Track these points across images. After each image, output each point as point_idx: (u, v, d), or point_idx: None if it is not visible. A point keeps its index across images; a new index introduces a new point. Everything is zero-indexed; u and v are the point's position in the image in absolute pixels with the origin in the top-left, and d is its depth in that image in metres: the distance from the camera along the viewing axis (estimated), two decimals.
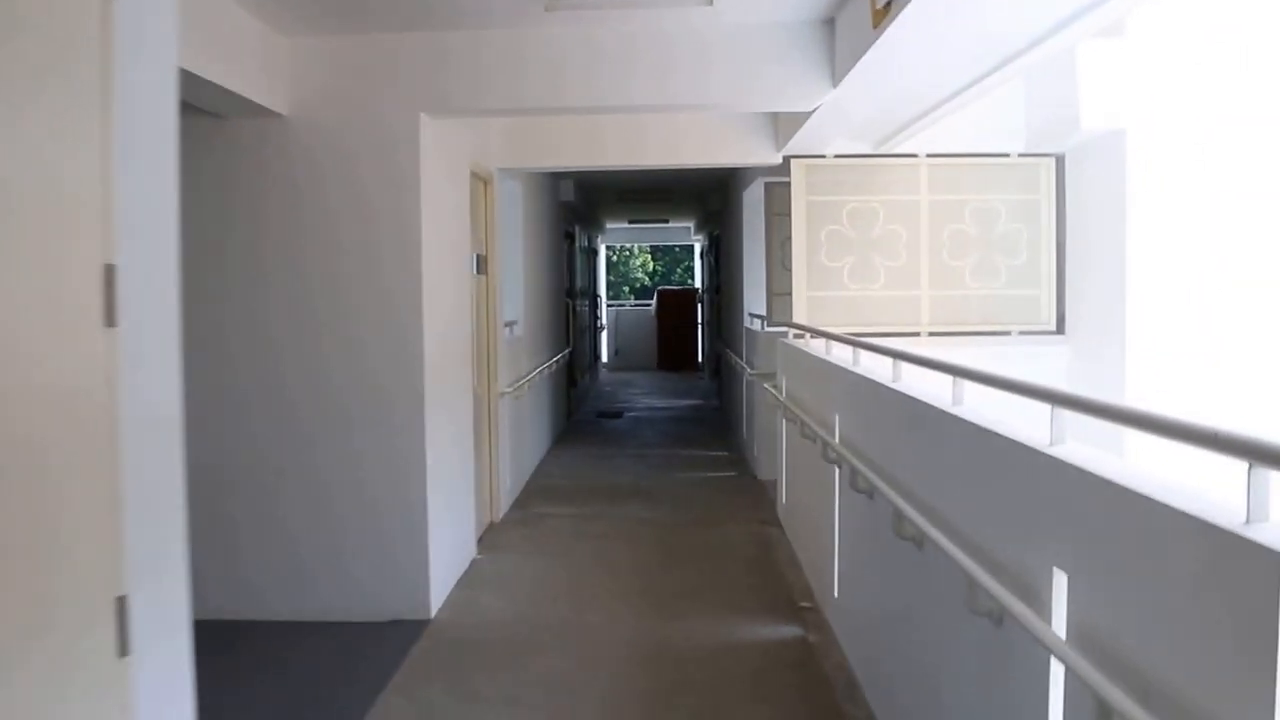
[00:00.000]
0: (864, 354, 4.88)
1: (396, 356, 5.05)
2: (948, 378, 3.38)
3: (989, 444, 2.77)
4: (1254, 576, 1.53)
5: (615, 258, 30.89)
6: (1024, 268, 7.72)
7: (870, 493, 4.00)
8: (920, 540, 3.26)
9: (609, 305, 22.73)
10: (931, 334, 7.91)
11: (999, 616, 2.58)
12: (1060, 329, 7.55)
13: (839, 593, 4.77)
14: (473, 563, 6.02)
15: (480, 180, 6.72)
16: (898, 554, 3.54)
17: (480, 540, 6.38)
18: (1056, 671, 2.27)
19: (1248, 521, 1.63)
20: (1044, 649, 2.27)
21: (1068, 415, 2.46)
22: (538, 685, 4.33)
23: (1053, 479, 2.34)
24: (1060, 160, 7.34)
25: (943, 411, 3.18)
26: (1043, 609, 2.32)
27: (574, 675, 4.44)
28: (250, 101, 4.66)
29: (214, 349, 5.01)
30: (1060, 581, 2.28)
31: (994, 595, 2.52)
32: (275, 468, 5.07)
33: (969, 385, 3.23)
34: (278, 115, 4.94)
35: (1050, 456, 2.36)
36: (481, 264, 6.70)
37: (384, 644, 4.75)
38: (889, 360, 4.18)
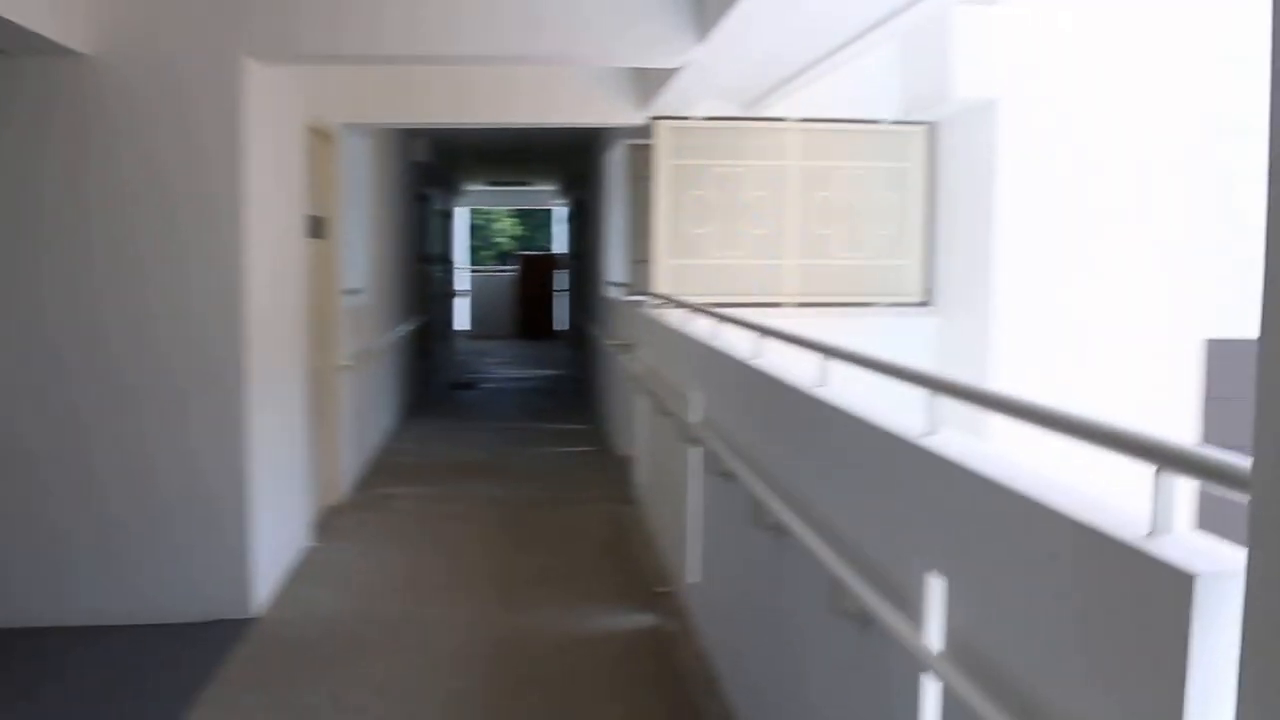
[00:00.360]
0: (726, 327, 4.63)
1: (214, 329, 4.50)
2: (815, 354, 3.13)
3: (856, 431, 2.51)
4: (1161, 595, 1.28)
5: (476, 221, 30.21)
6: (893, 238, 7.61)
7: (729, 476, 3.74)
8: (781, 531, 3.00)
9: (468, 271, 22.16)
10: (798, 304, 7.78)
11: (865, 619, 2.33)
12: (928, 301, 7.46)
13: (697, 579, 4.51)
14: (306, 552, 5.55)
15: (320, 136, 6.20)
16: (758, 543, 3.28)
17: (316, 526, 5.91)
18: (929, 684, 2.02)
19: (1152, 533, 1.38)
20: (915, 659, 2.03)
21: (944, 401, 2.22)
22: (371, 689, 3.94)
23: (927, 474, 2.09)
24: (932, 129, 7.21)
25: (807, 394, 2.92)
26: (915, 615, 2.08)
27: (412, 676, 4.07)
28: (39, 36, 4.03)
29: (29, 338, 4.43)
30: (935, 587, 2.03)
31: (860, 597, 2.27)
32: (93, 462, 4.50)
33: (839, 363, 2.98)
34: (75, 54, 4.33)
35: (924, 449, 2.11)
36: (320, 227, 6.20)
37: (198, 648, 4.26)
38: (752, 334, 3.92)
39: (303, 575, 5.23)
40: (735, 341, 4.31)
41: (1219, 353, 6.24)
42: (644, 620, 4.67)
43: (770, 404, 3.39)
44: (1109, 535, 1.40)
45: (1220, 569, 1.17)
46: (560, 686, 3.99)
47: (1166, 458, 1.38)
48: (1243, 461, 1.14)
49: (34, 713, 3.75)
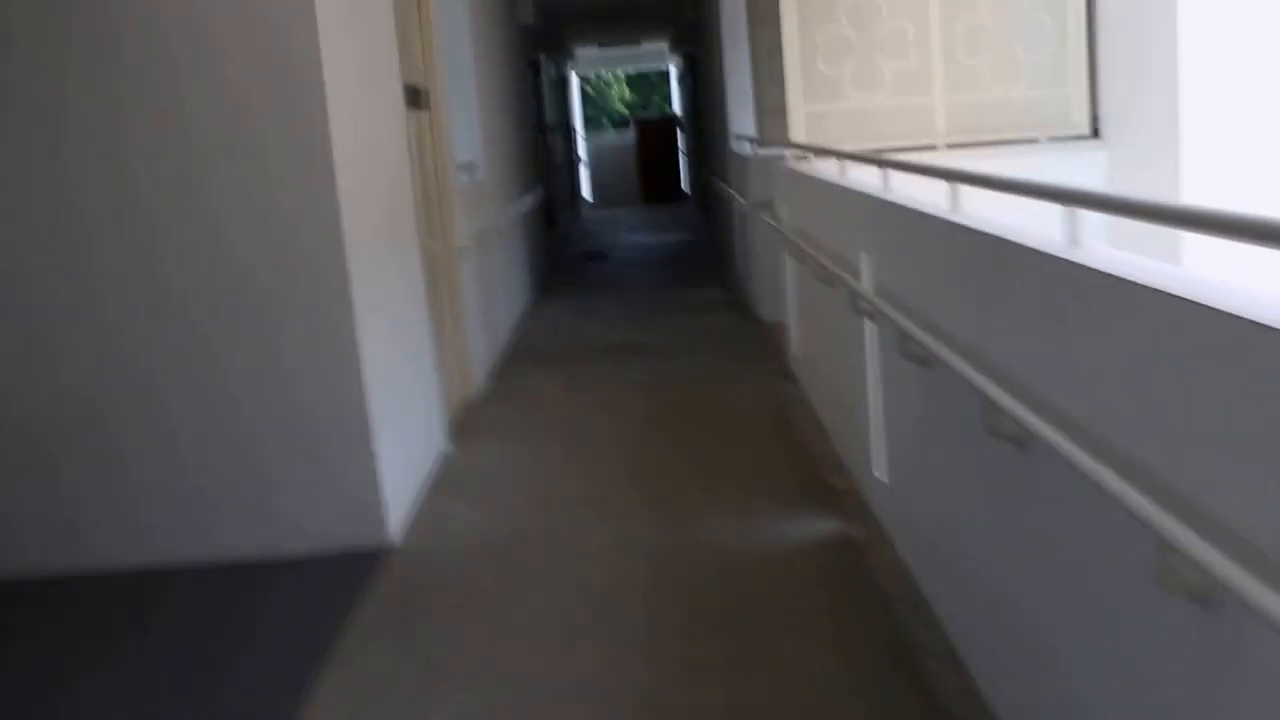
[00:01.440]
0: (895, 175, 3.87)
1: (304, 222, 3.85)
2: (1019, 206, 2.39)
3: (1174, 315, 1.74)
4: None
5: (590, 90, 29.35)
6: (1051, 64, 6.78)
7: (926, 362, 3.05)
8: (1028, 445, 2.31)
9: (586, 138, 21.48)
10: (949, 145, 7.07)
11: (1206, 596, 1.62)
12: (1095, 133, 6.61)
13: (884, 477, 3.85)
14: (444, 457, 5.07)
15: None
16: (986, 452, 2.59)
17: (453, 426, 5.42)
18: None
19: None
20: None
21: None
22: (522, 638, 3.35)
23: None
24: None
25: (1063, 259, 2.16)
26: None
27: (569, 618, 3.47)
28: None
29: (70, 243, 3.88)
30: None
31: (1207, 562, 1.55)
32: (163, 385, 3.95)
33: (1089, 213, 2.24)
34: None
35: None
36: (421, 97, 5.55)
37: (328, 588, 3.74)
38: (938, 184, 3.17)
39: (442, 486, 4.75)
40: (912, 192, 3.57)
41: None
42: (824, 527, 4.02)
43: (995, 274, 2.65)
44: None
45: None
46: (738, 623, 3.35)
47: None
48: None
49: (135, 663, 3.34)
